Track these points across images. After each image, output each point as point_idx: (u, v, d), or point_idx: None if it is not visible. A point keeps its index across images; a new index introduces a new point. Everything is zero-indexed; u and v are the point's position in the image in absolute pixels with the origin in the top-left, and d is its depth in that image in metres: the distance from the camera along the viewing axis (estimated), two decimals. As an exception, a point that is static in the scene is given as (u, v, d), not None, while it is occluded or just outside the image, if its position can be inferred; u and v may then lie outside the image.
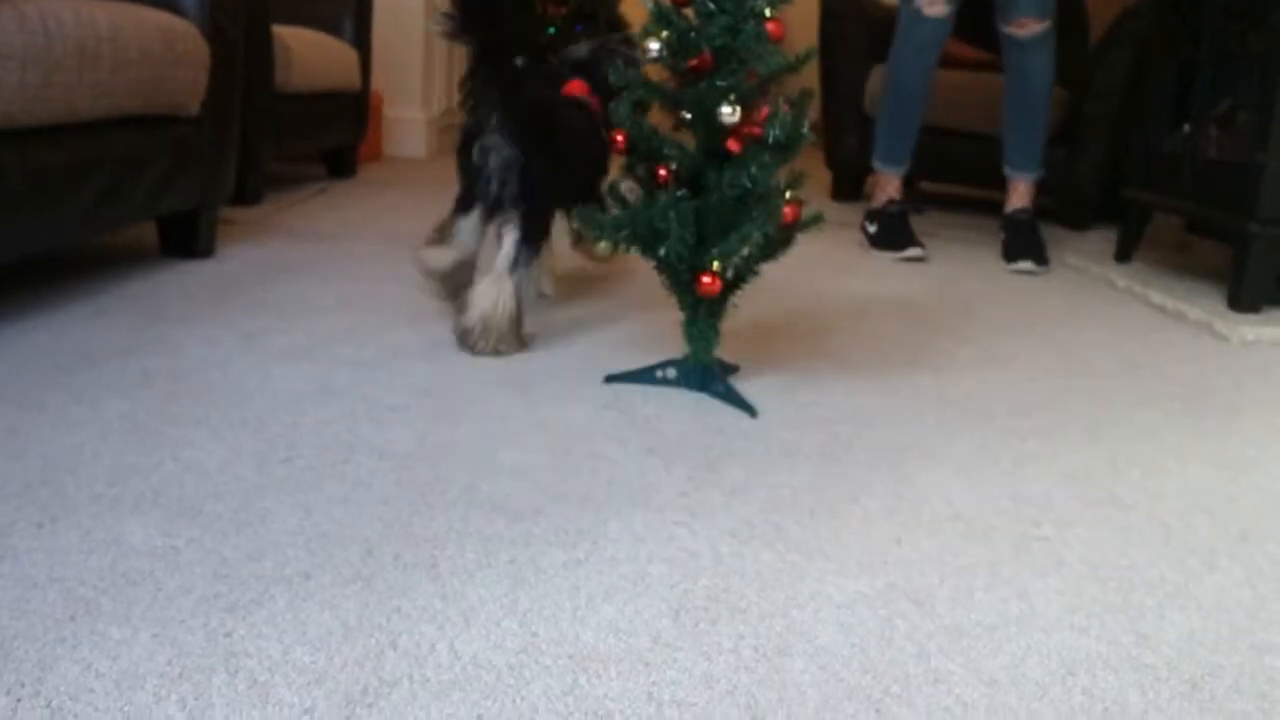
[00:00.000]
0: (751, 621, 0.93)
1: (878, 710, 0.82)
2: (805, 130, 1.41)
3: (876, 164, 3.07)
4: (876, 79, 3.82)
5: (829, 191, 4.06)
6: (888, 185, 3.02)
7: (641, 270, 1.53)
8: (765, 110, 1.38)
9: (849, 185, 3.99)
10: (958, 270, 2.79)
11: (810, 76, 4.20)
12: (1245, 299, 2.31)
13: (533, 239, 1.66)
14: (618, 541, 1.07)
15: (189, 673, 0.81)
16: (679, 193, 1.38)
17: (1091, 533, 1.18)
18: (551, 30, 6.25)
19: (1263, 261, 2.29)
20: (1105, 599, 1.03)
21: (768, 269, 1.51)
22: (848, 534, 1.12)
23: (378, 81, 4.24)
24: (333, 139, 3.64)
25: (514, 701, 0.80)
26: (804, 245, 1.56)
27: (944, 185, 4.41)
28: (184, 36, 2.06)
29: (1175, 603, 1.04)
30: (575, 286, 2.22)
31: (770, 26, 1.38)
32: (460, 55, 5.12)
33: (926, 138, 3.76)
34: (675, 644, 0.89)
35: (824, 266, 2.69)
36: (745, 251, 1.37)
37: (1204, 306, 2.36)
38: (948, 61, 3.93)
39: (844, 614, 0.96)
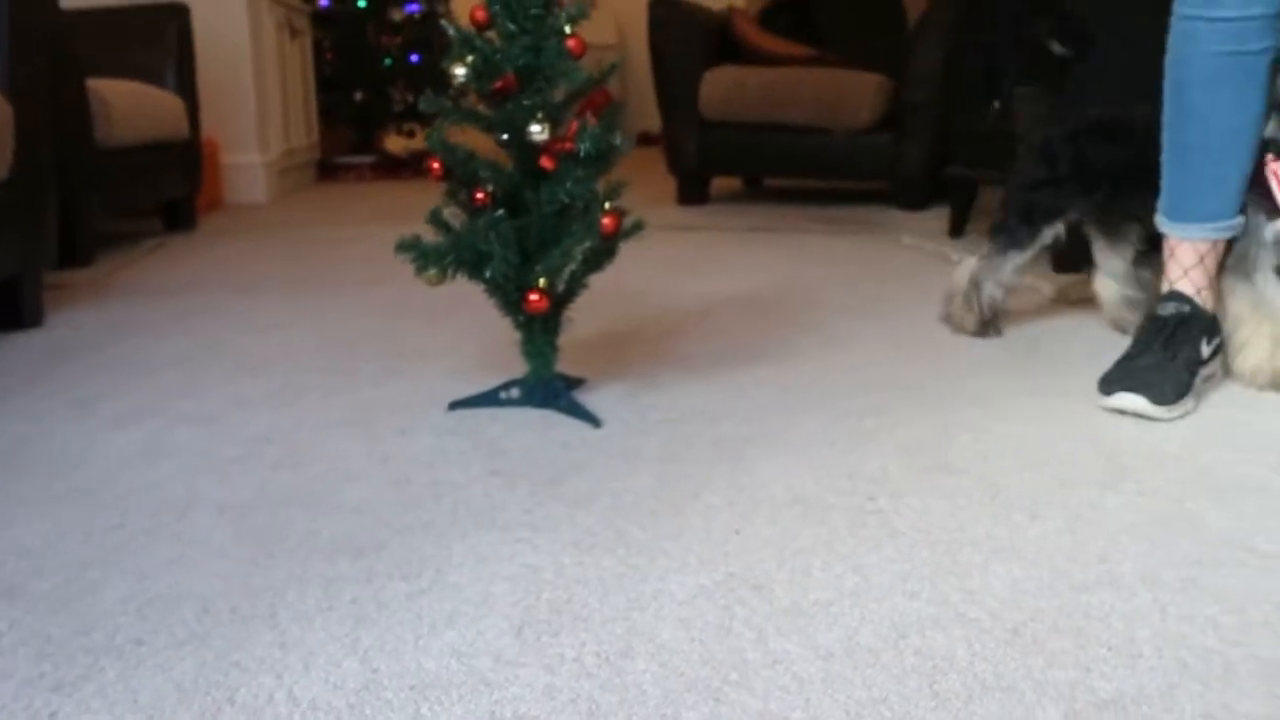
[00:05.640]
0: (594, 628, 0.94)
1: (717, 699, 0.84)
2: (618, 142, 1.43)
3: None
4: (710, 83, 3.90)
5: (674, 197, 4.12)
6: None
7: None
8: (575, 125, 1.40)
9: (693, 189, 4.06)
10: (801, 261, 2.87)
11: (647, 84, 4.25)
12: (1067, 261, 2.43)
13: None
14: (461, 566, 1.07)
15: (12, 758, 0.78)
16: (498, 213, 1.39)
17: (923, 500, 1.23)
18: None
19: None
20: (935, 561, 1.08)
21: (616, 279, 1.53)
22: (689, 531, 1.15)
23: (210, 128, 4.14)
24: (166, 191, 3.54)
25: (354, 740, 0.79)
26: (651, 251, 1.59)
27: (784, 180, 4.52)
28: (-18, 101, 1.98)
29: (1000, 556, 1.09)
30: (416, 318, 2.21)
31: (571, 43, 1.40)
32: (294, 95, 5.04)
33: (763, 135, 3.87)
34: (518, 660, 0.89)
35: (671, 271, 2.73)
36: (571, 266, 1.39)
37: (1032, 272, 2.47)
38: (770, 60, 4.05)
39: (684, 609, 0.98)
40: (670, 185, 4.14)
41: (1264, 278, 1.64)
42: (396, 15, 5.70)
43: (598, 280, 1.58)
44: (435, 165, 1.43)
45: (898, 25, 4.03)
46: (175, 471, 1.36)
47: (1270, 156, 1.60)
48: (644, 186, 4.45)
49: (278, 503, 1.25)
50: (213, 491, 1.29)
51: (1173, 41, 1.63)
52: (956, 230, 3.03)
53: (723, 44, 4.16)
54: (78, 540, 1.15)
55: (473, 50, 1.42)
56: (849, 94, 3.75)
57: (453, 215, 1.48)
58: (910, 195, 3.75)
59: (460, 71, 1.41)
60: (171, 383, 1.77)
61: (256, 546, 1.13)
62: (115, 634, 0.95)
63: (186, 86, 3.66)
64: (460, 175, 1.43)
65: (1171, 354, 1.57)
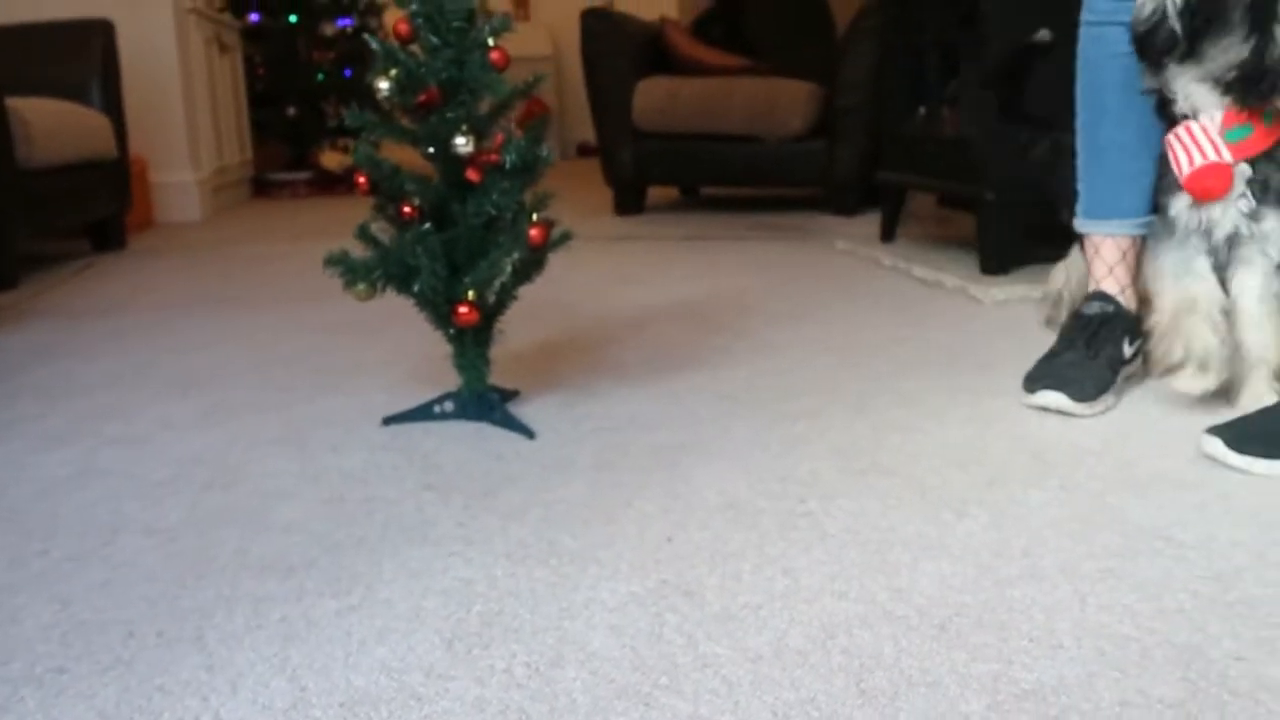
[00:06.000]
0: (524, 639, 0.95)
1: (647, 704, 0.85)
2: (544, 153, 1.44)
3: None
4: (643, 94, 3.93)
5: (611, 208, 4.13)
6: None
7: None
8: (500, 137, 1.41)
9: (629, 200, 4.07)
10: (737, 268, 2.89)
11: (585, 96, 4.26)
12: (993, 262, 2.48)
13: None
14: (393, 582, 1.07)
15: (-72, 792, 0.76)
16: (425, 227, 1.39)
17: (854, 502, 1.25)
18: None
19: (1003, 225, 2.46)
20: (864, 561, 1.09)
21: (552, 290, 1.53)
22: (621, 539, 1.15)
23: (138, 146, 4.08)
24: (94, 211, 3.47)
25: (282, 760, 0.79)
26: (587, 261, 1.59)
27: (720, 189, 4.56)
28: (-105, 122, 1.94)
29: (928, 554, 1.11)
30: (350, 334, 2.20)
31: (494, 56, 1.41)
32: (226, 112, 4.98)
33: (697, 145, 3.89)
34: (448, 674, 0.89)
35: (607, 281, 2.74)
36: (500, 278, 1.39)
37: (959, 274, 2.52)
38: (703, 70, 4.08)
39: (615, 617, 0.98)
40: (608, 196, 4.16)
41: (1171, 260, 1.57)
42: (328, 30, 5.66)
43: (533, 291, 1.59)
44: (362, 180, 1.43)
45: (827, 33, 4.09)
46: (103, 495, 1.34)
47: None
48: (582, 197, 4.48)
49: (207, 524, 1.24)
50: (141, 514, 1.27)
51: (1084, 48, 1.68)
52: (887, 234, 3.07)
53: (655, 55, 4.19)
54: (1, 566, 1.13)
55: (396, 64, 1.41)
56: (781, 102, 3.79)
57: (381, 230, 1.48)
58: (843, 201, 3.80)
59: (384, 85, 1.41)
60: (99, 405, 1.74)
61: (185, 568, 1.12)
62: (36, 663, 0.93)
63: (112, 104, 3.60)
64: (387, 189, 1.42)
65: (1094, 352, 1.61)
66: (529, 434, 1.48)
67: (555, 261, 1.56)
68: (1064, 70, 1.73)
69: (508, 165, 1.39)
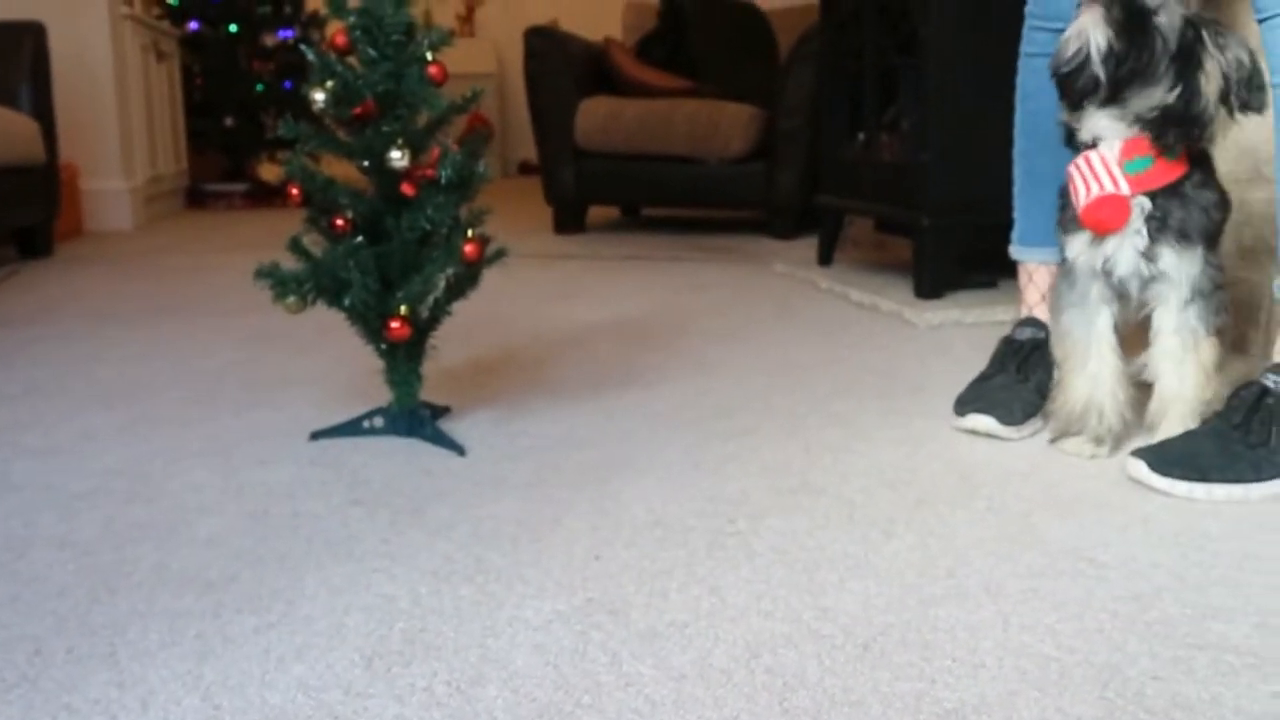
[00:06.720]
0: (446, 657, 0.93)
1: (569, 722, 0.84)
2: (481, 168, 1.43)
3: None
4: (586, 114, 3.93)
5: (551, 226, 4.13)
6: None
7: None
8: (436, 151, 1.40)
9: (569, 218, 4.07)
10: (675, 288, 2.90)
11: (527, 114, 4.25)
12: (928, 287, 2.51)
13: None
14: (314, 598, 1.05)
15: None
16: (357, 240, 1.38)
17: (783, 521, 1.25)
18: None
19: (938, 250, 2.50)
20: (791, 581, 1.09)
21: (489, 306, 1.51)
22: (549, 557, 1.14)
23: (69, 152, 4.00)
24: (20, 217, 3.40)
25: (191, 780, 0.77)
26: (526, 279, 1.58)
27: (661, 209, 4.58)
28: None
29: (855, 573, 1.11)
30: (282, 347, 2.16)
31: (432, 70, 1.40)
32: (161, 120, 4.90)
33: (639, 165, 3.91)
34: (367, 692, 0.88)
35: (545, 298, 2.73)
36: (433, 293, 1.38)
37: (895, 298, 2.55)
38: (646, 90, 4.10)
39: (539, 635, 0.97)
40: (548, 214, 4.15)
41: (1070, 316, 1.51)
42: (269, 41, 5.60)
43: (470, 308, 1.57)
44: (294, 191, 1.41)
45: (770, 56, 4.13)
46: (15, 508, 1.30)
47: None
48: (522, 215, 4.47)
49: (125, 538, 1.20)
50: (55, 528, 1.24)
51: (1023, 79, 1.71)
52: (825, 258, 3.10)
53: (599, 74, 4.20)
54: (-99, 582, 1.09)
55: (332, 75, 1.40)
56: (722, 124, 3.82)
57: (313, 242, 1.46)
58: (783, 224, 3.83)
59: (320, 96, 1.39)
60: (18, 414, 1.70)
61: (98, 583, 1.09)
62: (-63, 680, 0.90)
63: (42, 108, 3.53)
64: (320, 202, 1.41)
65: (1024, 376, 1.63)
66: (459, 450, 1.46)
67: (492, 278, 1.55)
68: None
69: (443, 180, 1.38)
